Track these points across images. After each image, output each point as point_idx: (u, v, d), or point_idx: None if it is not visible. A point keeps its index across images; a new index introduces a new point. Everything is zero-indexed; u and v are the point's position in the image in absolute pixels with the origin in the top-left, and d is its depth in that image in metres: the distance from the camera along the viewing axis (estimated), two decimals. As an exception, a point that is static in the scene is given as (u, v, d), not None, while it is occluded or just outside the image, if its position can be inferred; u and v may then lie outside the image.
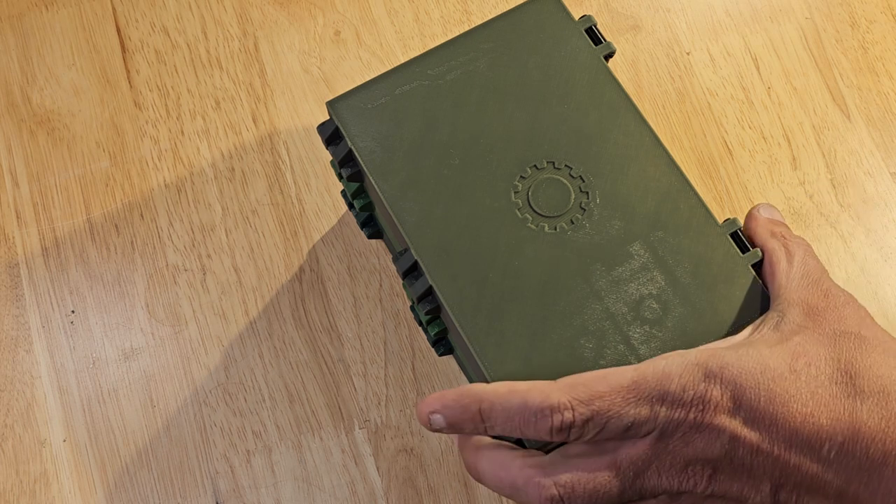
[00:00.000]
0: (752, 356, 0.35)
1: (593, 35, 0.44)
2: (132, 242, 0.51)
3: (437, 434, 0.48)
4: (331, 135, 0.43)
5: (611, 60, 0.44)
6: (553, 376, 0.37)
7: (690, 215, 0.41)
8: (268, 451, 0.48)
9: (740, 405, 0.34)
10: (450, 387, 0.49)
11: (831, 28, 0.55)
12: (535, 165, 0.41)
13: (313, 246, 0.51)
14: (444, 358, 0.49)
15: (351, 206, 0.49)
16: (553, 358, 0.39)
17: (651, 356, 0.38)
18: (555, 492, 0.34)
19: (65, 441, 0.48)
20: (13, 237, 0.52)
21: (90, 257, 0.51)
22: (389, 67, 0.54)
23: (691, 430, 0.34)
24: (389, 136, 0.42)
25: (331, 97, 0.54)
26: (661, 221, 0.41)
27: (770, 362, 0.34)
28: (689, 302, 0.40)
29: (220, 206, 0.52)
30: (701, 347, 0.36)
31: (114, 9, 0.56)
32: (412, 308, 0.44)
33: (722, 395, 0.34)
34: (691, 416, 0.34)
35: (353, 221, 0.51)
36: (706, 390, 0.34)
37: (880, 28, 0.55)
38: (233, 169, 0.53)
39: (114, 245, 0.51)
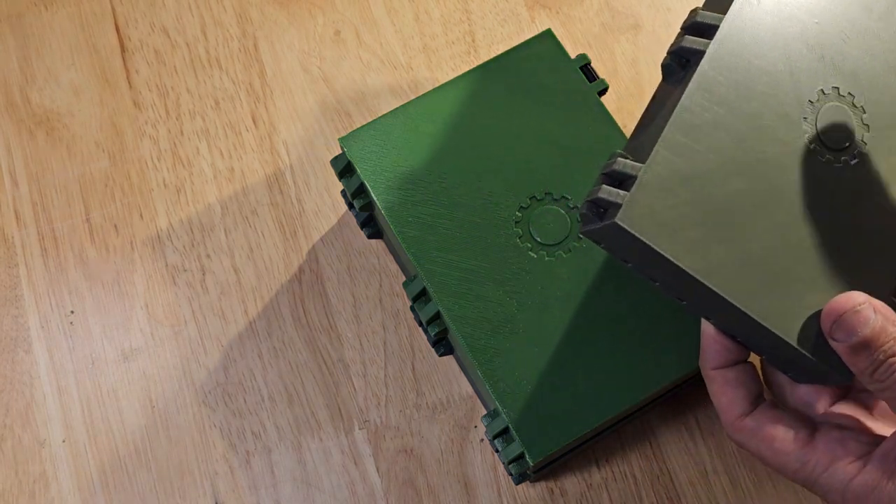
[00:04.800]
0: None
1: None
2: (131, 243, 0.51)
3: (437, 434, 0.48)
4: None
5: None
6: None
7: None
8: (267, 452, 0.48)
9: None
10: (449, 387, 0.48)
11: (833, 27, 0.55)
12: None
13: (313, 246, 0.51)
14: (444, 358, 0.49)
15: (351, 206, 0.49)
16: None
17: None
18: None
19: (64, 441, 0.48)
20: (12, 237, 0.52)
21: (89, 257, 0.51)
22: (389, 67, 0.54)
23: None
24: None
25: (331, 97, 0.54)
26: None
27: None
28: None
29: (219, 207, 0.52)
30: None
31: (113, 9, 0.56)
32: (412, 308, 0.45)
33: None
34: None
35: (352, 221, 0.51)
36: None
37: (882, 27, 0.55)
38: (232, 169, 0.52)
39: (113, 245, 0.51)
